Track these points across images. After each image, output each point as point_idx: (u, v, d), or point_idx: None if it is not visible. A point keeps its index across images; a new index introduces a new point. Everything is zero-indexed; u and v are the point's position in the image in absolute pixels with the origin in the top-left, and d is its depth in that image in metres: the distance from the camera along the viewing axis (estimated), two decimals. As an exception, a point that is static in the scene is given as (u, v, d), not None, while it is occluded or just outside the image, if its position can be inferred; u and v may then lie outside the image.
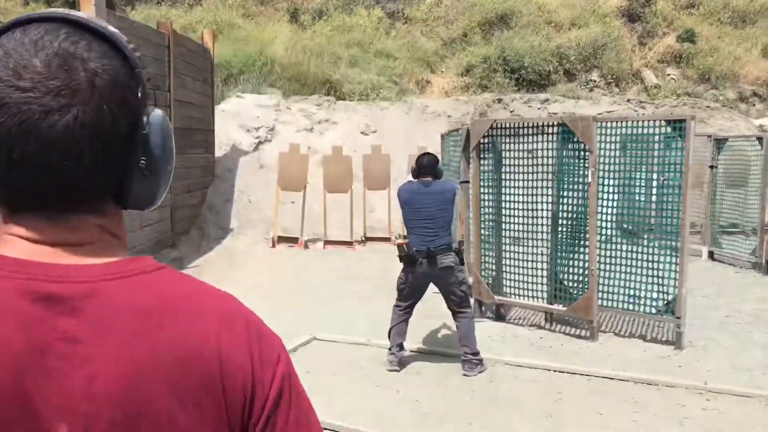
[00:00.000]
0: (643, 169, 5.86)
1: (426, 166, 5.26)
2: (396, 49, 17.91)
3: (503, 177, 6.46)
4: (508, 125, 6.35)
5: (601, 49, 17.67)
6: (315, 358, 5.46)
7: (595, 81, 17.52)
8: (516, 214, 6.41)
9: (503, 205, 6.48)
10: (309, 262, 9.59)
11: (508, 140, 6.34)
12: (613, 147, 5.93)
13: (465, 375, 4.96)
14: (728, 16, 19.29)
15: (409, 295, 5.24)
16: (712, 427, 4.19)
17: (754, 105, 16.72)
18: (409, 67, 17.53)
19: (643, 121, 5.93)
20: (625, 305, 6.03)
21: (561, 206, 6.17)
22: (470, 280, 5.95)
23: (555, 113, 15.98)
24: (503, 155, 6.41)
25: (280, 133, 13.68)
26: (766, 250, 8.95)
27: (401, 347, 5.20)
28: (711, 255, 10.13)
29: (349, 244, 10.80)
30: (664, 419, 4.29)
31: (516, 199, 6.40)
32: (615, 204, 6.02)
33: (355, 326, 6.31)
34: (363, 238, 10.91)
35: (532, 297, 6.40)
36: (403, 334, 5.21)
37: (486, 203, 6.54)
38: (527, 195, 6.30)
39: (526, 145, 6.24)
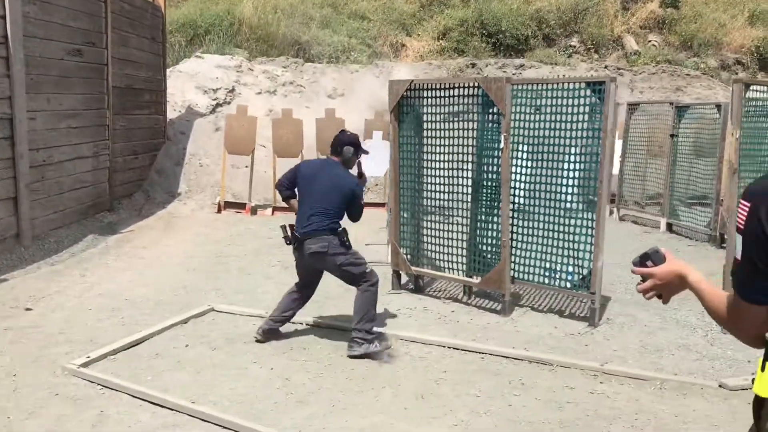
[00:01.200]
0: (562, 136, 5.47)
1: (335, 145, 4.92)
2: (371, 11, 17.38)
3: (424, 142, 6.09)
4: (428, 86, 5.95)
5: (582, 14, 17.11)
6: (206, 330, 5.17)
7: (574, 46, 16.99)
8: (436, 181, 6.07)
9: (423, 172, 6.12)
10: (250, 229, 9.27)
11: (429, 102, 5.96)
12: (528, 110, 5.55)
13: (349, 355, 4.64)
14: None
15: (300, 276, 4.99)
16: (592, 412, 3.89)
17: (736, 73, 16.19)
18: (384, 30, 17.00)
19: (560, 83, 5.53)
20: (541, 279, 5.70)
21: (480, 174, 5.82)
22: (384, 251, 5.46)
23: (530, 79, 15.54)
24: (423, 118, 6.03)
25: (240, 95, 13.27)
26: (719, 222, 8.60)
27: (278, 321, 4.90)
28: (669, 227, 9.79)
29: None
30: (544, 402, 4.00)
31: (436, 166, 6.05)
32: (529, 172, 5.66)
33: (263, 297, 6.01)
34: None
35: (450, 269, 6.09)
36: (287, 311, 4.91)
37: (405, 170, 6.18)
38: (448, 161, 5.94)
39: (447, 108, 5.86)
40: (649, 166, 10.60)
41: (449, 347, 4.84)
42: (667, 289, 1.78)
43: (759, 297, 1.45)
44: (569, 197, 5.46)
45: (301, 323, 5.24)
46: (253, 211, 10.40)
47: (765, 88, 6.85)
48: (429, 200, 6.14)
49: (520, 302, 5.99)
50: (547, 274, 5.65)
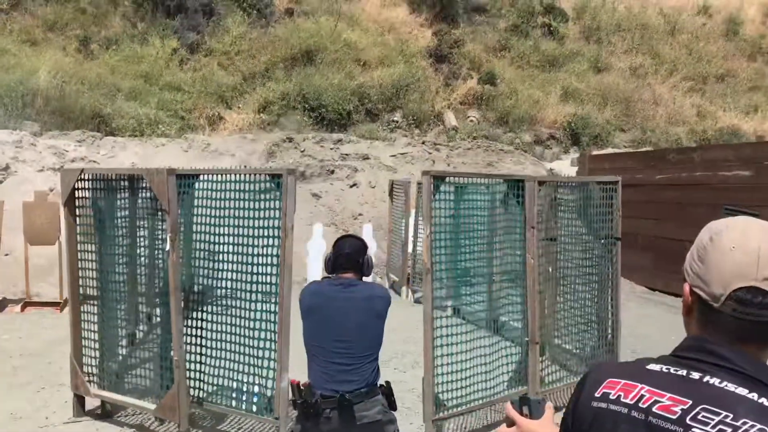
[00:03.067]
0: (242, 234, 4.77)
1: (346, 256, 3.49)
2: (188, 83, 16.62)
3: (105, 241, 5.23)
4: (101, 176, 5.14)
5: (404, 90, 17.12)
6: None
7: (397, 122, 16.91)
8: (118, 288, 5.20)
9: (105, 277, 5.24)
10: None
11: (104, 194, 5.13)
12: (209, 204, 4.84)
13: None
14: (537, 59, 19.34)
15: None
16: None
17: (550, 148, 16.58)
18: (200, 102, 16.25)
19: (238, 174, 4.88)
20: (226, 401, 4.89)
21: (152, 282, 5.01)
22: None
23: (347, 154, 15.18)
24: (101, 212, 5.18)
25: (16, 173, 11.99)
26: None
27: None
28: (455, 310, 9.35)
29: (55, 305, 9.27)
30: None
31: (117, 270, 5.19)
32: (210, 275, 4.92)
33: None
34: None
35: (133, 391, 5.16)
36: None
37: (85, 272, 5.28)
38: (122, 266, 5.10)
39: (119, 202, 5.05)
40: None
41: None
42: None
43: None
44: (251, 305, 4.72)
45: None
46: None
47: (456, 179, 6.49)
48: (111, 309, 5.24)
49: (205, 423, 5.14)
50: (234, 395, 4.85)
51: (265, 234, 4.71)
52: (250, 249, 4.72)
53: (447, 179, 4.96)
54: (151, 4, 18.58)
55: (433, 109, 17.11)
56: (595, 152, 14.49)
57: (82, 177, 5.11)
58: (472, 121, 16.66)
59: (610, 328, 6.12)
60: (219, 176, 4.90)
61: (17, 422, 5.23)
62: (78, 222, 5.20)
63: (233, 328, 4.84)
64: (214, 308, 4.99)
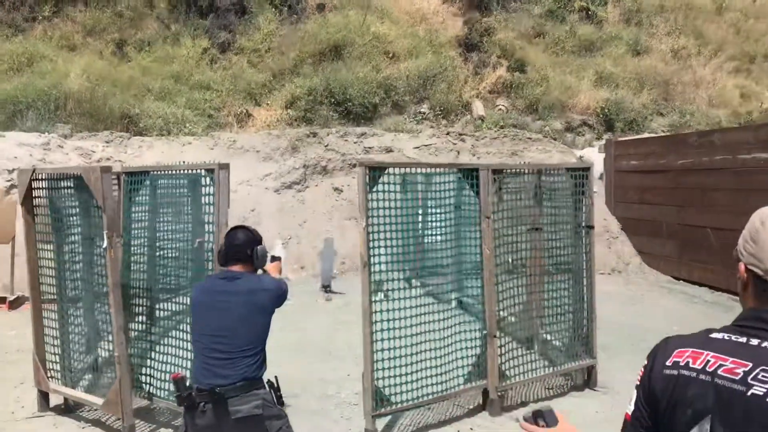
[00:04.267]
0: (180, 230, 4.77)
1: (232, 248, 3.40)
2: (218, 81, 16.85)
3: (60, 237, 5.32)
4: (53, 175, 5.22)
5: (431, 80, 16.92)
6: None
7: (424, 113, 16.74)
8: (71, 280, 5.29)
9: (61, 273, 5.33)
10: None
11: (56, 193, 5.22)
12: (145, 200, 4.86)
13: None
14: (573, 44, 18.80)
15: None
16: None
17: (582, 135, 16.09)
18: (229, 100, 16.46)
19: (177, 170, 4.87)
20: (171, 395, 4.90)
21: (91, 278, 5.07)
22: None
23: (371, 147, 15.10)
24: (59, 210, 5.27)
25: (43, 174, 12.39)
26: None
27: None
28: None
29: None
30: None
31: (67, 267, 5.28)
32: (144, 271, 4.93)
33: None
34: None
35: (87, 387, 5.24)
36: None
37: (44, 270, 5.39)
38: (72, 264, 5.18)
39: (71, 199, 5.12)
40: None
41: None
42: None
43: None
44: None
45: None
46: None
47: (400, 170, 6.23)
48: (68, 308, 5.33)
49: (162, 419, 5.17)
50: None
51: (205, 230, 4.70)
52: (189, 245, 4.72)
53: (387, 170, 4.82)
54: (184, 5, 18.89)
55: (461, 99, 16.84)
56: (621, 138, 13.96)
57: (36, 177, 5.20)
58: (501, 109, 16.33)
59: (585, 319, 5.86)
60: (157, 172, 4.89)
61: (-17, 416, 5.38)
62: (35, 221, 5.31)
63: (176, 323, 4.85)
64: (161, 304, 5.02)
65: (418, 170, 7.36)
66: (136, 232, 5.10)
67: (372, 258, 4.60)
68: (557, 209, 5.88)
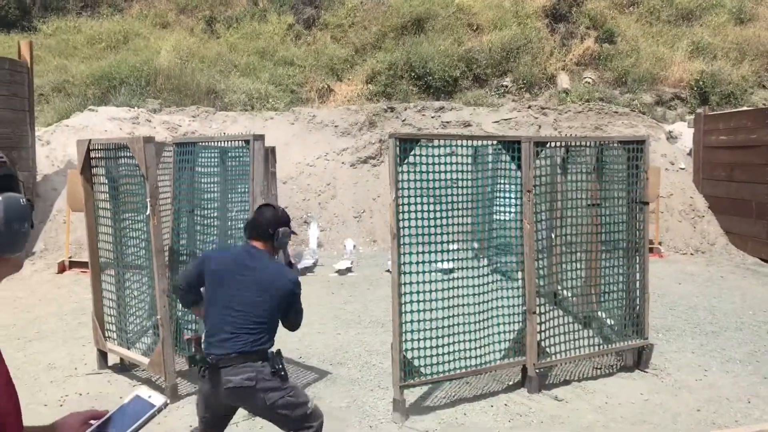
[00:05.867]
0: (222, 199, 4.90)
1: (256, 223, 3.44)
2: (301, 57, 17.10)
3: (119, 206, 5.59)
4: (105, 146, 5.46)
5: (515, 52, 16.50)
6: None
7: (506, 86, 16.37)
8: (132, 243, 5.56)
9: (122, 235, 5.61)
10: (70, 292, 8.85)
11: (110, 164, 5.47)
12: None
13: None
14: (669, 14, 17.84)
15: (204, 420, 3.42)
16: None
17: (674, 109, 15.30)
18: (312, 75, 16.68)
19: (217, 141, 4.98)
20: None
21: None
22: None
23: (448, 122, 14.94)
24: (113, 181, 5.54)
25: (131, 147, 13.01)
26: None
27: None
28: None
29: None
30: None
31: (128, 233, 5.54)
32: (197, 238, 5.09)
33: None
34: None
35: (136, 344, 5.51)
36: None
37: (102, 235, 5.68)
38: (134, 228, 5.44)
39: (124, 169, 5.36)
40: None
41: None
42: None
43: None
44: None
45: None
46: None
47: (447, 143, 6.12)
48: (124, 266, 5.61)
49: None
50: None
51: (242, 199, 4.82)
52: (228, 213, 4.85)
53: (420, 142, 4.75)
54: (273, -19, 19.23)
55: (546, 72, 16.35)
56: (711, 113, 13.16)
57: (92, 147, 5.46)
58: (588, 82, 15.73)
59: (638, 299, 5.61)
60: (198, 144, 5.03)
61: (50, 371, 5.76)
62: (93, 189, 5.59)
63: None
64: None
65: (490, 143, 7.22)
66: (196, 200, 5.26)
67: (401, 231, 4.58)
68: (609, 184, 5.63)
